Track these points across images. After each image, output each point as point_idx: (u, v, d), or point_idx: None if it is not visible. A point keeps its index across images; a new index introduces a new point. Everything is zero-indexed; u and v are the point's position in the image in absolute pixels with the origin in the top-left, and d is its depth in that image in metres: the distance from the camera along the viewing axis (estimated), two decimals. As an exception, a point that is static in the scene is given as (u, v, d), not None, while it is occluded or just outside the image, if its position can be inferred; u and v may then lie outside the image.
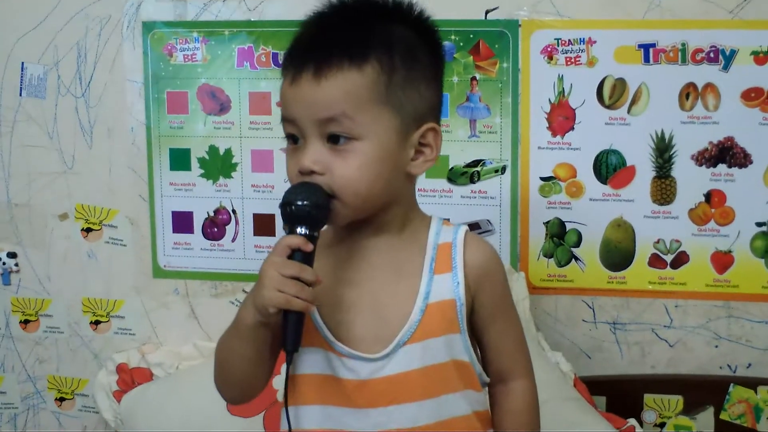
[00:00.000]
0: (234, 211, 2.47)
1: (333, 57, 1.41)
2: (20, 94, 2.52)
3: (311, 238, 1.40)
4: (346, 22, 1.47)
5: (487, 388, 1.58)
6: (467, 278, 1.51)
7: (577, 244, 2.34)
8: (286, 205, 1.41)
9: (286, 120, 1.46)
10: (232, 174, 2.46)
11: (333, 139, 1.42)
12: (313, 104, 1.40)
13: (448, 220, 1.60)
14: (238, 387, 1.54)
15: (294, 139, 1.46)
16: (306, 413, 1.50)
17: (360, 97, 1.40)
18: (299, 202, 1.39)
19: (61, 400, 2.63)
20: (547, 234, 2.35)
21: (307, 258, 1.40)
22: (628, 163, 2.30)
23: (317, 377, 1.48)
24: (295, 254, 1.39)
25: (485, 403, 1.56)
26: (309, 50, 1.44)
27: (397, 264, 1.50)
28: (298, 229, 1.40)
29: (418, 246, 1.52)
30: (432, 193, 2.36)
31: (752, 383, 2.30)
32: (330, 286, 1.49)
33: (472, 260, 1.52)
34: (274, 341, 1.46)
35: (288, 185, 1.44)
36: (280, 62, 1.53)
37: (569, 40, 2.28)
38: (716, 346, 2.34)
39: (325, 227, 1.46)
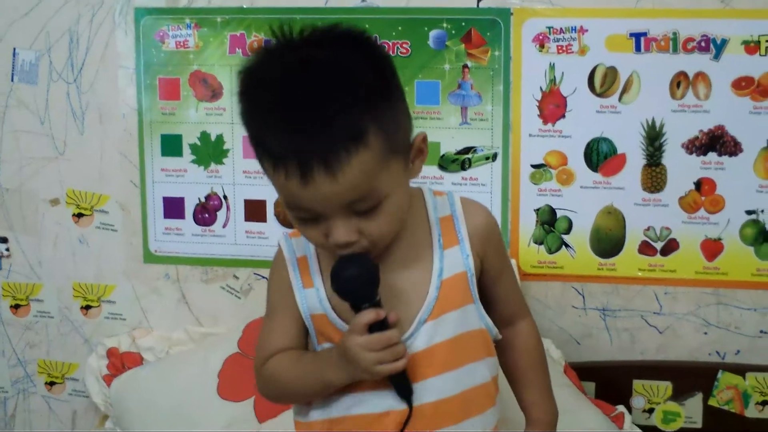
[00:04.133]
0: (225, 197, 2.47)
1: (337, 144, 1.34)
2: (12, 80, 2.52)
3: (375, 304, 1.45)
4: (319, 87, 1.36)
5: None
6: (473, 247, 1.55)
7: (568, 231, 2.35)
8: (341, 294, 1.45)
9: (299, 209, 1.42)
10: (224, 160, 2.46)
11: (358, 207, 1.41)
12: (333, 197, 1.37)
13: (442, 192, 1.62)
14: (293, 403, 1.63)
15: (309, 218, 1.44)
16: (332, 399, 1.53)
17: (374, 169, 1.38)
18: (353, 288, 1.44)
19: (52, 384, 2.64)
20: (537, 221, 2.36)
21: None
22: (619, 151, 2.31)
23: None
24: (372, 326, 1.43)
25: (498, 366, 1.61)
26: (305, 141, 1.34)
27: (405, 244, 1.52)
28: (364, 306, 1.44)
29: (421, 222, 1.55)
30: (423, 180, 2.34)
31: (741, 370, 2.32)
32: None
33: (474, 229, 1.56)
34: None
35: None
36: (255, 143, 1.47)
37: (561, 29, 2.28)
38: (705, 333, 2.35)
39: None
